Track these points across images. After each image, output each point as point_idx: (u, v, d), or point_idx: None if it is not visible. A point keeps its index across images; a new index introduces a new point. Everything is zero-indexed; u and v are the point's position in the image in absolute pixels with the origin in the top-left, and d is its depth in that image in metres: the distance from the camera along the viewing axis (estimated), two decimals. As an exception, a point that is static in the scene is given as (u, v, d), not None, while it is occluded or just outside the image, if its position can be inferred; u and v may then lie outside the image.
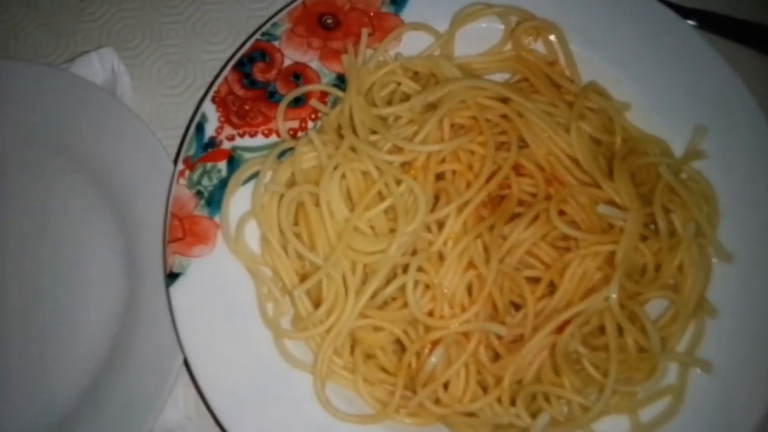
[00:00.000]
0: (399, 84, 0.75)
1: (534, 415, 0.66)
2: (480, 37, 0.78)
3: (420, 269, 0.67)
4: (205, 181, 0.73)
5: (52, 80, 0.82)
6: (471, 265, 0.67)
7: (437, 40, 0.78)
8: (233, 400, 0.67)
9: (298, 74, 0.77)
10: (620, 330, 0.66)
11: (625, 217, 0.67)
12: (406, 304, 0.67)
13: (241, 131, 0.75)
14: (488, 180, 0.68)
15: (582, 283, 0.67)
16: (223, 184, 0.73)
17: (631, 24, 0.77)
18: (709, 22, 0.85)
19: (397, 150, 0.70)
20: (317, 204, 0.69)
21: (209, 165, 0.73)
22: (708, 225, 0.70)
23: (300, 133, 0.75)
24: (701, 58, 0.76)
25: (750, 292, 0.69)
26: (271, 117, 0.75)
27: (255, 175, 0.73)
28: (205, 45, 0.89)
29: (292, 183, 0.72)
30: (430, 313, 0.67)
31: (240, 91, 0.76)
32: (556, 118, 0.71)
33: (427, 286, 0.67)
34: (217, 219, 0.72)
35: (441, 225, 0.68)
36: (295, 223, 0.71)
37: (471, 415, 0.67)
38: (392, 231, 0.68)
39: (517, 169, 0.70)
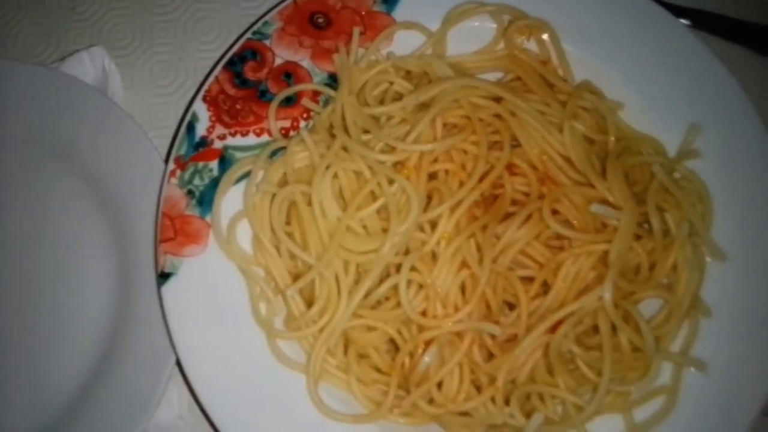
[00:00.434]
0: (391, 83, 0.75)
1: (528, 415, 0.66)
2: (472, 36, 0.78)
3: (413, 269, 0.67)
4: (197, 181, 0.73)
5: (42, 79, 0.81)
6: (464, 264, 0.67)
7: (429, 39, 0.77)
8: (226, 400, 0.67)
9: (289, 73, 0.77)
10: (614, 329, 0.66)
11: (619, 216, 0.67)
12: (399, 304, 0.67)
13: (232, 130, 0.74)
14: (481, 179, 0.68)
15: (576, 283, 0.67)
16: (215, 183, 0.73)
17: (625, 23, 0.77)
18: (703, 21, 0.85)
19: (390, 149, 0.69)
20: (309, 203, 0.69)
21: (201, 164, 0.73)
22: (702, 224, 0.70)
23: (292, 133, 0.75)
24: (694, 57, 0.76)
25: (744, 291, 0.69)
26: (262, 116, 0.75)
27: (247, 175, 0.73)
28: (197, 44, 0.89)
29: (284, 182, 0.72)
30: (424, 313, 0.67)
31: (231, 91, 0.76)
32: (549, 118, 0.71)
33: (421, 286, 0.67)
34: (208, 219, 0.72)
35: (434, 225, 0.68)
36: (288, 223, 0.71)
37: (465, 414, 0.67)
38: (385, 231, 0.68)
39: (510, 168, 0.69)
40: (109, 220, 0.77)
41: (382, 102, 0.74)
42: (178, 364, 0.69)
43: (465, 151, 0.69)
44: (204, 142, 0.74)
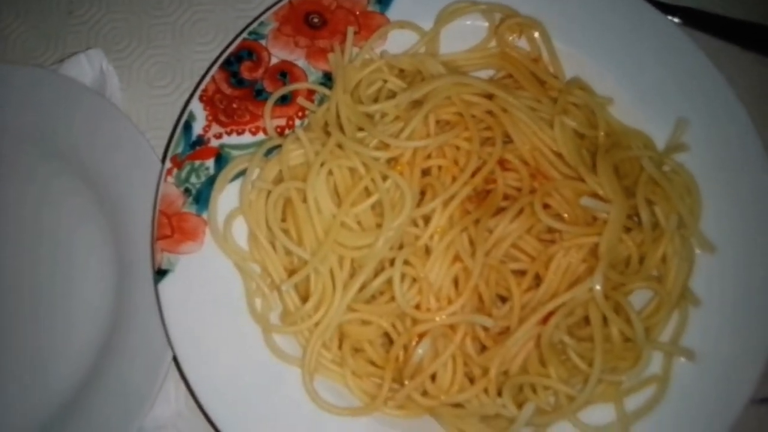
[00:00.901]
0: (385, 81, 0.76)
1: (520, 406, 0.66)
2: (464, 35, 0.79)
3: (407, 263, 0.67)
4: (193, 179, 0.73)
5: (41, 81, 0.82)
6: (457, 258, 0.67)
7: (422, 37, 0.78)
8: (223, 395, 0.68)
9: (285, 72, 0.77)
10: (605, 320, 0.67)
11: (609, 209, 0.68)
12: (393, 298, 0.67)
13: (228, 129, 0.75)
14: (473, 175, 0.69)
15: (567, 275, 0.68)
16: (211, 181, 0.73)
17: (614, 20, 0.78)
18: (692, 19, 0.86)
19: (384, 146, 0.70)
20: (304, 200, 0.69)
21: (197, 163, 0.74)
22: (690, 216, 0.71)
23: (287, 131, 0.76)
24: (683, 54, 0.76)
25: (732, 282, 0.70)
26: (258, 115, 0.76)
27: (242, 173, 0.74)
28: (194, 46, 0.90)
29: (279, 180, 0.72)
30: (417, 306, 0.67)
31: (227, 90, 0.77)
32: (540, 114, 0.72)
33: (414, 280, 0.68)
34: (205, 216, 0.72)
35: (427, 219, 0.68)
36: (283, 220, 0.72)
37: (458, 406, 0.68)
38: (379, 226, 0.68)
39: (502, 163, 0.70)
40: (106, 218, 0.78)
41: (376, 100, 0.75)
42: (175, 360, 0.69)
43: (457, 147, 0.70)
44: (200, 141, 0.75)
